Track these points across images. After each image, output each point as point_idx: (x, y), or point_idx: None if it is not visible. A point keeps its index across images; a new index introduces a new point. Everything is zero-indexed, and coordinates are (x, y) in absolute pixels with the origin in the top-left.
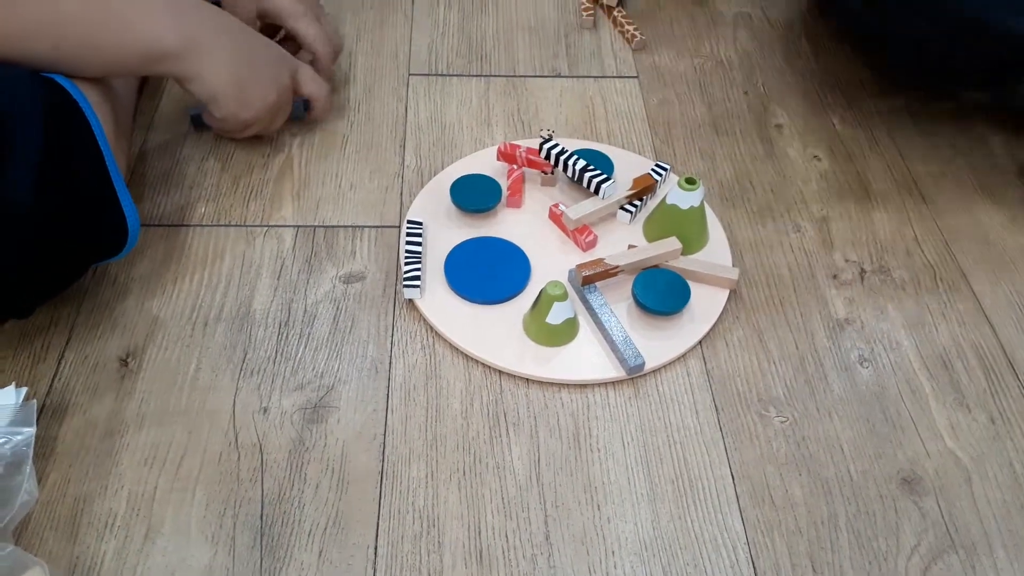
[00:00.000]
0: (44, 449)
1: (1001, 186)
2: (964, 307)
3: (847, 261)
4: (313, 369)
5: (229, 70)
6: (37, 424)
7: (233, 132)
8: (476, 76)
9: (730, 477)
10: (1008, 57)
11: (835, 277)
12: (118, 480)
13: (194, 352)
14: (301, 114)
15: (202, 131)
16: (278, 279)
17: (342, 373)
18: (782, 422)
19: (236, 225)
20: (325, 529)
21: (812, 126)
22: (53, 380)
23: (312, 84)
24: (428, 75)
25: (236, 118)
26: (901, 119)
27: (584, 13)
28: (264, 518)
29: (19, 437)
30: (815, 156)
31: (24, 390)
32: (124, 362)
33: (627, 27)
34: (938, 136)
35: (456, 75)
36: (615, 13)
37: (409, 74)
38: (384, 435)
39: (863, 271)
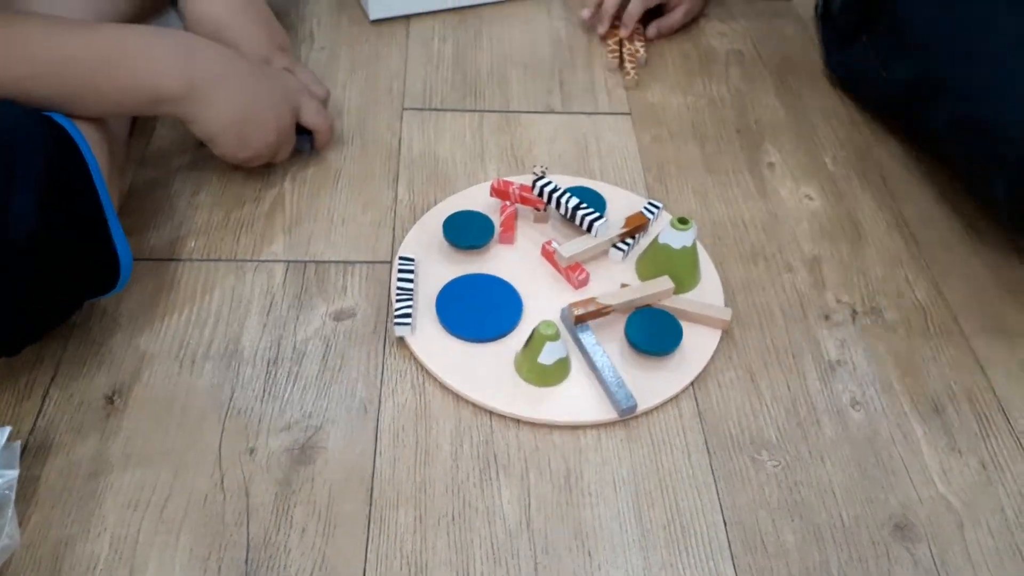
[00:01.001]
0: (26, 490)
1: (991, 227)
2: (955, 351)
3: (839, 302)
4: (301, 409)
5: (229, 113)
6: (20, 464)
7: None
8: (470, 111)
9: (722, 523)
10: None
11: (827, 318)
12: (101, 523)
13: (181, 390)
14: (307, 149)
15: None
16: (267, 315)
17: (330, 413)
18: (775, 466)
19: (226, 260)
20: (311, 574)
21: (804, 165)
22: (37, 418)
23: (316, 116)
24: (422, 109)
25: (234, 156)
26: (892, 159)
27: (610, 55)
28: (249, 563)
29: (1, 480)
30: (807, 195)
31: (8, 430)
32: (110, 400)
33: (628, 64)
34: (928, 176)
35: (450, 110)
36: (627, 44)
37: (403, 108)
38: (372, 478)
39: (855, 312)
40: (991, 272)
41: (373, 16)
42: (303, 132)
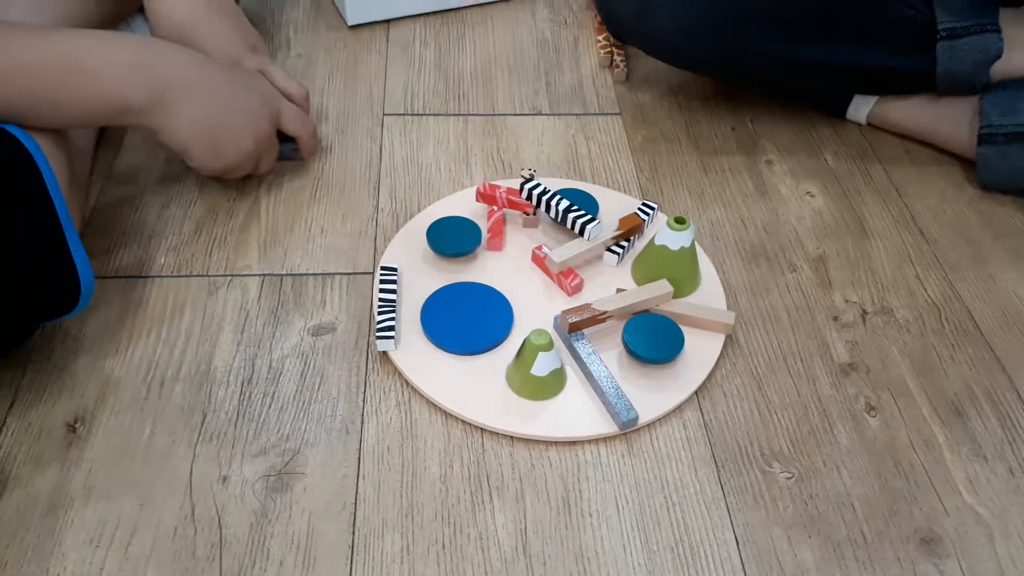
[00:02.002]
0: None
1: (1003, 217)
2: (973, 350)
3: (847, 302)
4: (278, 431)
5: (199, 122)
6: None
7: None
8: (453, 115)
9: (734, 542)
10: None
11: (836, 319)
12: (60, 562)
13: (148, 415)
14: (293, 155)
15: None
16: (241, 333)
17: (309, 435)
18: (787, 478)
19: (198, 276)
20: None
21: (803, 162)
22: None
23: (296, 122)
24: (403, 115)
25: (210, 168)
26: (895, 153)
27: (602, 51)
28: None
29: None
30: (808, 192)
31: None
32: (72, 428)
33: (616, 57)
34: (934, 169)
35: (433, 114)
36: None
37: (384, 114)
38: (355, 504)
39: (864, 312)
40: (1007, 266)
41: (351, 21)
42: (286, 140)
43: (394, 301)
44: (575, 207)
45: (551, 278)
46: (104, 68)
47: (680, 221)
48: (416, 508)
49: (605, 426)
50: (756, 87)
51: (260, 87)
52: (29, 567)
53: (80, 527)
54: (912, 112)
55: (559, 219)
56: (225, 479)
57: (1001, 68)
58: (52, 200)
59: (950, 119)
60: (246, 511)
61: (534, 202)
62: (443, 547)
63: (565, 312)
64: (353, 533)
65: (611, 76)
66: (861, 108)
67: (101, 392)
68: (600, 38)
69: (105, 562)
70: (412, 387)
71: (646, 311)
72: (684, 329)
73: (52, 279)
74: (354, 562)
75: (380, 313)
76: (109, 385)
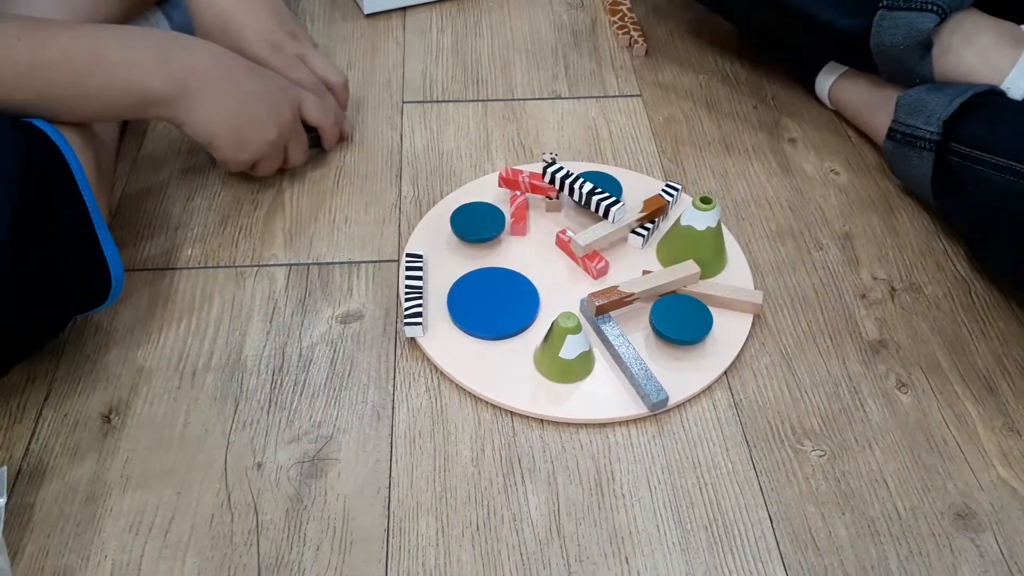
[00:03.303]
0: (20, 518)
1: None
2: (1004, 324)
3: (875, 279)
4: (310, 418)
5: (222, 113)
6: (12, 491)
7: (245, 170)
8: (473, 101)
9: (768, 520)
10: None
11: (864, 296)
12: (101, 550)
13: (182, 405)
14: (316, 145)
15: (216, 167)
16: (270, 322)
17: (341, 421)
18: (819, 456)
19: (225, 266)
20: None
21: (827, 139)
22: (30, 442)
23: (317, 112)
24: (423, 102)
25: (236, 160)
26: None
27: (619, 32)
28: None
29: None
30: (832, 170)
31: None
32: (107, 418)
33: (633, 31)
34: None
35: (452, 101)
36: (626, 12)
37: (403, 102)
38: (389, 488)
39: (893, 289)
40: None
41: (368, 10)
42: (312, 131)
43: (420, 287)
44: (599, 189)
45: (576, 262)
46: (127, 61)
47: (706, 201)
48: (449, 491)
49: (635, 408)
50: (733, 22)
51: (280, 78)
52: (70, 556)
53: (119, 515)
54: (857, 96)
55: (583, 202)
56: (260, 466)
57: (952, 68)
58: (82, 194)
59: (886, 110)
60: (281, 497)
61: (557, 185)
62: (477, 529)
63: (592, 295)
64: (388, 516)
65: (630, 57)
66: (824, 82)
67: (134, 383)
68: (614, 19)
69: (145, 549)
70: (441, 372)
71: (673, 293)
72: (712, 310)
73: (83, 273)
74: (390, 545)
75: (407, 300)
76: (142, 376)
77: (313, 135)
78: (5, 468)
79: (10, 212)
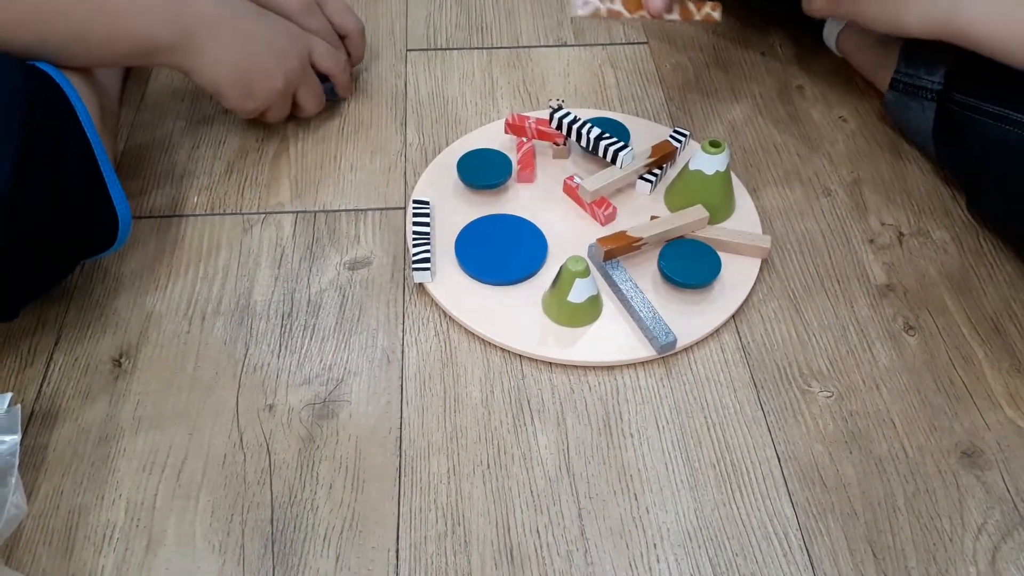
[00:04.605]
0: (34, 459)
1: None
2: (1012, 267)
3: (883, 224)
4: (320, 362)
5: (229, 61)
6: (26, 433)
7: (255, 116)
8: (477, 49)
9: (776, 459)
10: None
11: (872, 241)
12: (115, 489)
13: (192, 349)
14: (332, 96)
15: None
16: (279, 268)
17: (352, 365)
18: (827, 397)
19: (232, 213)
20: (341, 532)
21: (835, 87)
22: (42, 385)
23: (328, 59)
24: (427, 50)
25: (243, 108)
26: None
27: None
28: (275, 523)
29: (2, 447)
30: (841, 117)
31: (8, 396)
32: (117, 363)
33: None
34: None
35: (456, 48)
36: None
37: (407, 49)
38: (400, 429)
39: (901, 234)
40: None
41: None
42: (328, 81)
43: (428, 234)
44: (607, 135)
45: (583, 208)
46: (131, 7)
47: (715, 144)
48: (460, 431)
49: (643, 350)
50: None
51: (288, 24)
52: (85, 495)
53: (132, 455)
54: (863, 44)
55: (590, 147)
56: (271, 408)
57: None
58: (87, 135)
59: (891, 59)
60: (293, 437)
61: (564, 131)
62: (488, 467)
63: (600, 240)
64: (400, 455)
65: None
66: (831, 30)
67: (144, 328)
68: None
69: (159, 488)
70: (450, 317)
71: (681, 237)
72: (721, 254)
73: (91, 215)
74: (402, 483)
75: (415, 245)
76: (151, 321)
77: (329, 86)
78: (19, 406)
79: (15, 151)
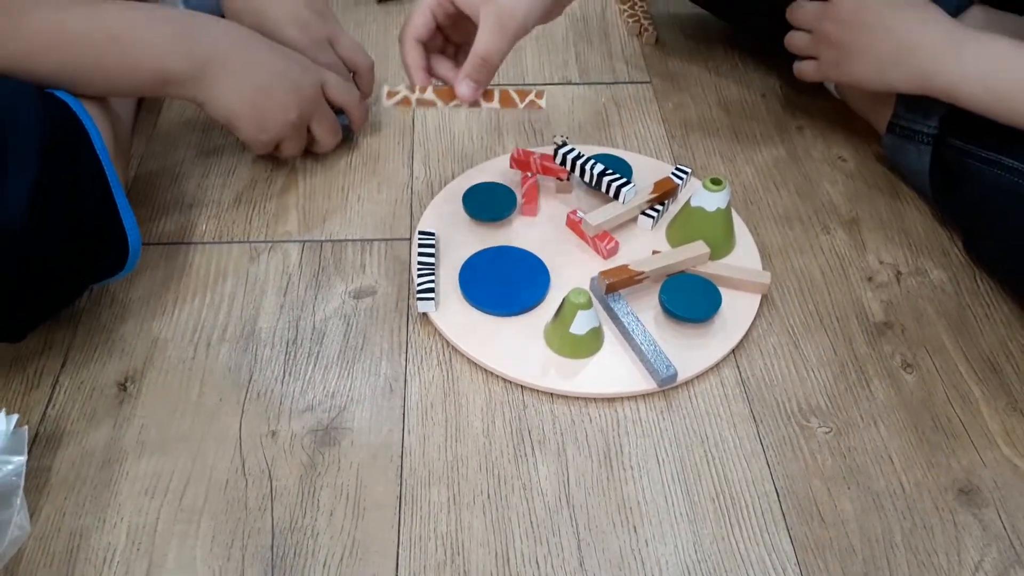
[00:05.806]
0: (38, 481)
1: None
2: (1009, 308)
3: (881, 263)
4: (324, 389)
5: (242, 92)
6: (30, 454)
7: (269, 150)
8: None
9: (775, 493)
10: None
11: (870, 279)
12: (117, 512)
13: (197, 375)
14: (347, 132)
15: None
16: (284, 296)
17: (354, 392)
18: (825, 432)
19: (239, 242)
20: (341, 559)
21: (835, 127)
22: (47, 407)
23: (342, 92)
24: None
25: (257, 139)
26: None
27: (630, 20)
28: (275, 549)
29: (9, 467)
30: (840, 157)
31: (15, 417)
32: (123, 387)
33: (643, 20)
34: None
35: None
36: (636, 0)
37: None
38: (401, 457)
39: (899, 273)
40: None
41: None
42: (340, 113)
43: (433, 264)
44: (610, 171)
45: (586, 241)
46: (146, 39)
47: (716, 182)
48: (461, 461)
49: (644, 383)
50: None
51: (302, 58)
52: (87, 518)
53: (135, 479)
54: (858, 89)
55: (594, 183)
56: (274, 434)
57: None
58: (101, 163)
59: (888, 103)
60: (295, 464)
61: (568, 166)
62: (488, 497)
63: (603, 273)
64: (401, 484)
65: (639, 44)
66: None
67: (149, 353)
68: (624, 7)
69: (160, 511)
70: (453, 347)
71: (682, 272)
72: (721, 290)
73: (102, 240)
74: (403, 511)
75: (420, 275)
76: (157, 346)
77: (343, 120)
78: (26, 428)
79: (32, 176)
